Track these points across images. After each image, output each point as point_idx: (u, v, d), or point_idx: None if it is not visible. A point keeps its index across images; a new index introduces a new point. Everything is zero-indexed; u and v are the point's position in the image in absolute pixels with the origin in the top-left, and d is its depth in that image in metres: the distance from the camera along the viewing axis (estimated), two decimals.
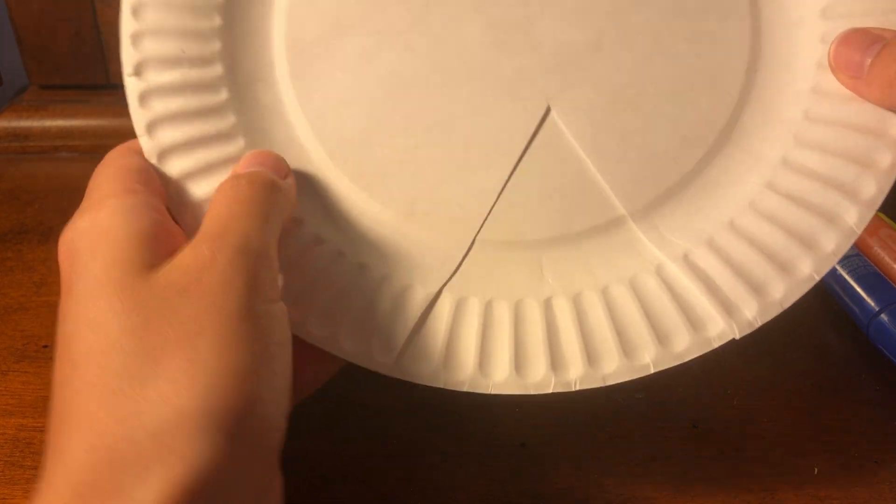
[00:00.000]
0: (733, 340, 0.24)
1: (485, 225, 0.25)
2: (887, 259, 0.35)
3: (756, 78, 0.25)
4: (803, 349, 0.33)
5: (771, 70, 0.25)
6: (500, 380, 0.24)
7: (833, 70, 0.24)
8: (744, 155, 0.25)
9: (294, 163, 0.25)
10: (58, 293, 0.20)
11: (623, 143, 0.25)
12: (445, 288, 0.25)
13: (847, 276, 0.34)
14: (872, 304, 0.32)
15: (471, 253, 0.25)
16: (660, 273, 0.25)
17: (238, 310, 0.19)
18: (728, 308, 0.24)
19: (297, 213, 0.25)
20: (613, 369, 0.24)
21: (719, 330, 0.24)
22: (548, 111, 0.25)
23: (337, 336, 0.24)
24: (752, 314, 0.24)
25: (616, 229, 0.25)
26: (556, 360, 0.24)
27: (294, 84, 0.26)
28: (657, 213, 0.25)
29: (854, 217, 0.23)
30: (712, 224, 0.25)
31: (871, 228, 0.36)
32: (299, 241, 0.25)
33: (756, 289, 0.24)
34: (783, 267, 0.24)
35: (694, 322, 0.24)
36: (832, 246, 0.23)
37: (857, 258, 0.35)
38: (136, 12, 0.24)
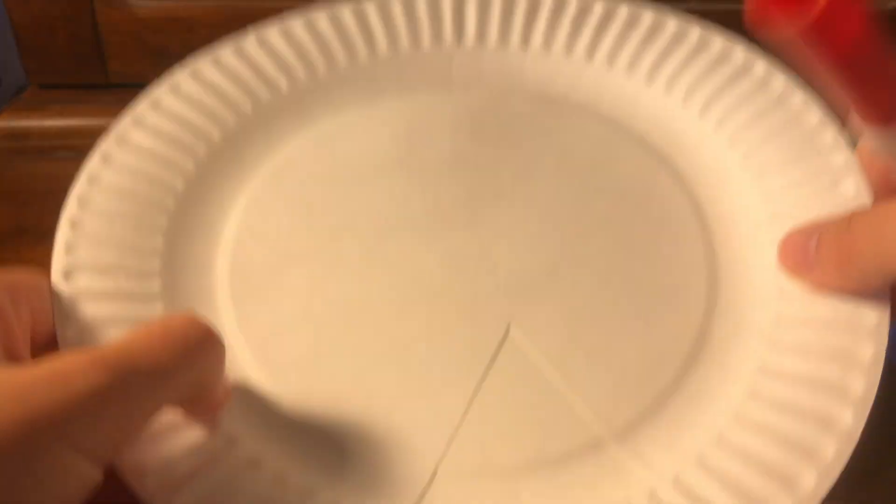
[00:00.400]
0: None
1: (449, 452, 0.23)
2: None
3: (719, 292, 0.25)
4: None
5: (732, 282, 0.25)
6: None
7: (787, 271, 0.24)
8: (720, 367, 0.24)
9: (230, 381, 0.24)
10: None
11: (591, 362, 0.24)
12: None
13: None
14: None
15: (435, 484, 0.22)
16: (652, 499, 0.22)
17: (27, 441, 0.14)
18: None
19: (231, 432, 0.22)
20: None
21: None
22: (508, 332, 0.25)
23: None
24: None
25: (597, 452, 0.23)
26: None
27: (235, 307, 0.25)
28: (639, 434, 0.23)
29: (849, 418, 0.21)
30: (700, 441, 0.23)
31: None
32: (233, 462, 0.22)
33: None
34: (784, 482, 0.21)
35: None
36: (832, 452, 0.21)
37: None
38: (74, 225, 0.25)
